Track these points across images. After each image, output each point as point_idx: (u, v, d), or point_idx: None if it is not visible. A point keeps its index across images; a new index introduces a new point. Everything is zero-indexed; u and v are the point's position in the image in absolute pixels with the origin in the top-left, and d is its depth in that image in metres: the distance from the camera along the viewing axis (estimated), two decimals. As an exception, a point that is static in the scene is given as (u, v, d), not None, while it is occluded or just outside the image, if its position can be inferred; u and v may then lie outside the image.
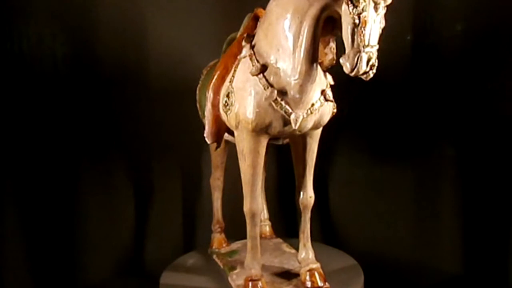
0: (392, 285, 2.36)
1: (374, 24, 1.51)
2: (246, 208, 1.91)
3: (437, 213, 2.34)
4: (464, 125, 2.20)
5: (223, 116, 1.89)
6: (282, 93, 1.72)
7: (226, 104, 1.83)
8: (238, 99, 1.78)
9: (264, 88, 1.72)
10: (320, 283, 1.94)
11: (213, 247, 2.44)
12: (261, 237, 2.48)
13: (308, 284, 1.94)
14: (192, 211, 2.96)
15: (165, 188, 2.88)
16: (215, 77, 1.92)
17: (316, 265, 1.98)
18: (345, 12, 1.52)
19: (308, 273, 1.96)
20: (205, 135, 2.00)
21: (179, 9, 2.70)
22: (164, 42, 2.71)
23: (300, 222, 2.03)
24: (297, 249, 2.29)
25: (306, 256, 2.01)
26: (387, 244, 2.51)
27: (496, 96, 2.00)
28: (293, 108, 1.74)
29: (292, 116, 1.74)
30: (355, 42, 1.51)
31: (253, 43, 1.82)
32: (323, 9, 1.60)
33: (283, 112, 1.73)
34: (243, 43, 1.85)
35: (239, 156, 1.87)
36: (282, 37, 1.68)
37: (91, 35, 2.57)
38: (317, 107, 1.79)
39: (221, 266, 2.21)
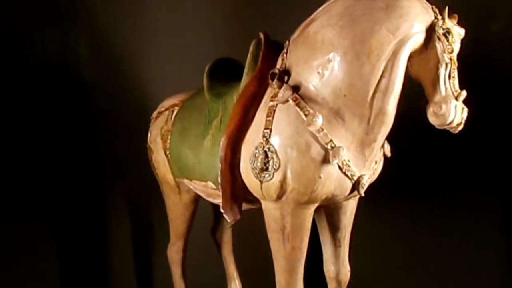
0: None
1: None
2: None
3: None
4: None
5: (251, 182, 1.40)
6: (349, 152, 1.30)
7: (264, 167, 1.32)
8: (286, 160, 1.32)
9: (330, 147, 1.27)
10: None
11: None
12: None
13: None
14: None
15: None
16: (232, 127, 1.39)
17: None
18: (437, 50, 1.25)
19: None
20: (222, 211, 1.45)
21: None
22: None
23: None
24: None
25: None
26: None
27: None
28: (359, 170, 1.34)
29: (360, 181, 1.34)
30: (448, 88, 1.26)
31: (290, 83, 1.34)
32: (412, 44, 1.25)
33: (349, 176, 1.32)
34: (274, 83, 1.35)
35: (276, 236, 1.42)
36: (353, 79, 1.27)
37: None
38: (377, 166, 1.43)
39: None
